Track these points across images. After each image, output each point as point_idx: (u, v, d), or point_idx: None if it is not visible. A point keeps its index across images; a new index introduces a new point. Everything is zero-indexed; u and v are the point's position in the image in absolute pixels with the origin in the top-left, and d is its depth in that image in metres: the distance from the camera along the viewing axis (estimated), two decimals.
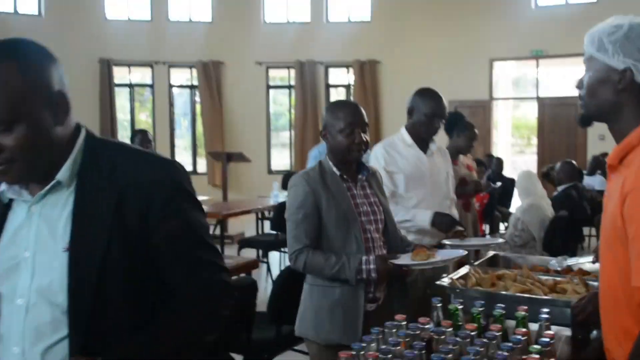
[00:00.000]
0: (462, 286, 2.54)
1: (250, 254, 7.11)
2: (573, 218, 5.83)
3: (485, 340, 1.62)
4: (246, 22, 14.21)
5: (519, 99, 15.28)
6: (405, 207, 3.24)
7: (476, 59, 13.04)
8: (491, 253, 3.24)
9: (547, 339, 1.63)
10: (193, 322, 1.54)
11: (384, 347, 1.59)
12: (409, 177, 3.28)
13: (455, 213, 3.54)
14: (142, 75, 15.18)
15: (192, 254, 1.55)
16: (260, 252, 7.34)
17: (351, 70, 14.22)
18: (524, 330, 1.71)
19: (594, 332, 2.22)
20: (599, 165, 9.56)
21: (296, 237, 2.56)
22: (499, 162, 9.90)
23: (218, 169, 14.23)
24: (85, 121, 1.58)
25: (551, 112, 12.91)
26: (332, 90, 14.83)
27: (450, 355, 1.54)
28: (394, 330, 1.74)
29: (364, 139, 2.60)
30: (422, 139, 3.38)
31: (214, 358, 3.29)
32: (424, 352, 1.58)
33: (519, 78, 15.19)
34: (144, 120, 15.44)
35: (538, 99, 13.17)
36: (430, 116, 3.28)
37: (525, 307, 1.89)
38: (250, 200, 8.89)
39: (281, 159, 15.35)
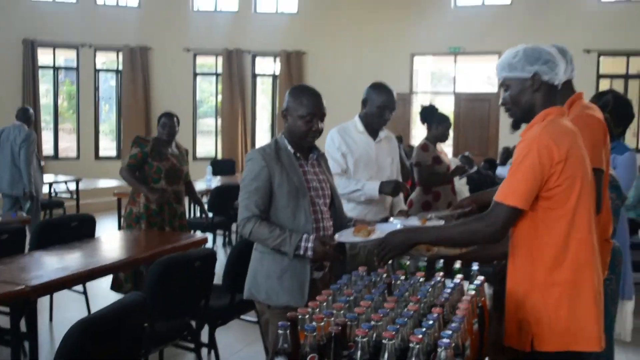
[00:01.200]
0: None
1: None
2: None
3: (432, 283, 2.07)
4: (175, 9, 14.33)
5: (437, 93, 16.05)
6: (356, 179, 3.64)
7: (398, 54, 13.67)
8: None
9: (479, 281, 2.09)
10: None
11: (355, 287, 2.01)
12: (358, 159, 3.66)
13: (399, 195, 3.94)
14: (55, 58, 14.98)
15: None
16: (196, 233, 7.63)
17: (278, 59, 14.57)
18: (460, 276, 2.17)
19: None
20: (509, 155, 10.35)
21: (247, 206, 2.77)
22: None
23: None
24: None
25: (466, 106, 13.72)
26: (258, 79, 15.13)
27: (407, 293, 1.97)
28: (359, 278, 2.16)
29: (320, 128, 2.89)
30: (373, 128, 3.76)
31: (173, 324, 3.60)
32: (385, 291, 2.01)
33: (437, 73, 15.96)
34: (60, 103, 15.23)
35: (455, 93, 13.94)
36: (382, 108, 3.65)
37: (460, 262, 2.36)
38: None
39: (206, 146, 15.54)
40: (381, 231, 2.94)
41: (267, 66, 15.15)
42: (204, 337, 4.01)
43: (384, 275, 2.22)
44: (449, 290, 1.96)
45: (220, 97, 14.88)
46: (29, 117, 7.52)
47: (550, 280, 2.09)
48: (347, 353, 1.60)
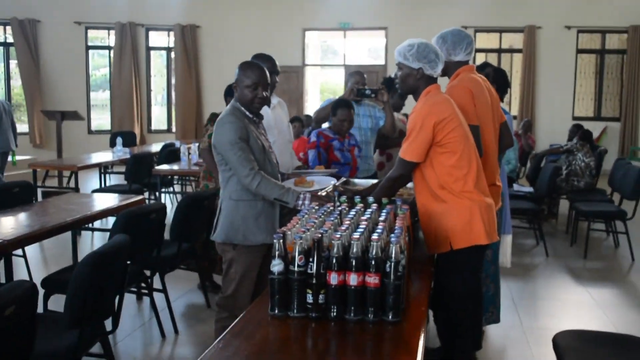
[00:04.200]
0: None
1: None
2: None
3: (370, 210, 2.74)
4: None
5: (328, 66, 16.80)
6: None
7: (290, 28, 14.26)
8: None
9: (406, 208, 2.80)
10: None
11: (316, 214, 2.65)
12: None
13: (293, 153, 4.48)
14: None
15: None
16: None
17: (172, 33, 14.76)
18: (390, 205, 2.86)
19: None
20: None
21: (246, 159, 3.15)
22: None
23: (40, 129, 14.19)
24: None
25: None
26: (152, 52, 15.25)
27: (355, 217, 2.63)
28: (315, 209, 2.80)
29: (264, 96, 3.36)
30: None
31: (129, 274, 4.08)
32: (339, 217, 2.66)
33: (327, 47, 16.70)
34: None
35: (345, 66, 14.73)
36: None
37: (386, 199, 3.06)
38: (83, 157, 9.19)
39: (99, 120, 15.54)
40: (317, 182, 3.64)
41: (162, 40, 15.28)
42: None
43: (332, 206, 2.88)
44: (385, 214, 2.64)
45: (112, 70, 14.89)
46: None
47: (451, 197, 2.97)
48: (325, 254, 2.24)
